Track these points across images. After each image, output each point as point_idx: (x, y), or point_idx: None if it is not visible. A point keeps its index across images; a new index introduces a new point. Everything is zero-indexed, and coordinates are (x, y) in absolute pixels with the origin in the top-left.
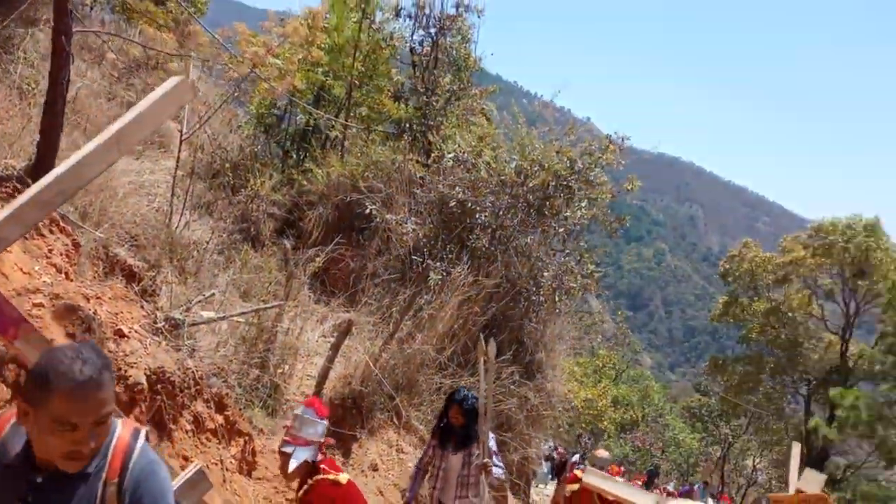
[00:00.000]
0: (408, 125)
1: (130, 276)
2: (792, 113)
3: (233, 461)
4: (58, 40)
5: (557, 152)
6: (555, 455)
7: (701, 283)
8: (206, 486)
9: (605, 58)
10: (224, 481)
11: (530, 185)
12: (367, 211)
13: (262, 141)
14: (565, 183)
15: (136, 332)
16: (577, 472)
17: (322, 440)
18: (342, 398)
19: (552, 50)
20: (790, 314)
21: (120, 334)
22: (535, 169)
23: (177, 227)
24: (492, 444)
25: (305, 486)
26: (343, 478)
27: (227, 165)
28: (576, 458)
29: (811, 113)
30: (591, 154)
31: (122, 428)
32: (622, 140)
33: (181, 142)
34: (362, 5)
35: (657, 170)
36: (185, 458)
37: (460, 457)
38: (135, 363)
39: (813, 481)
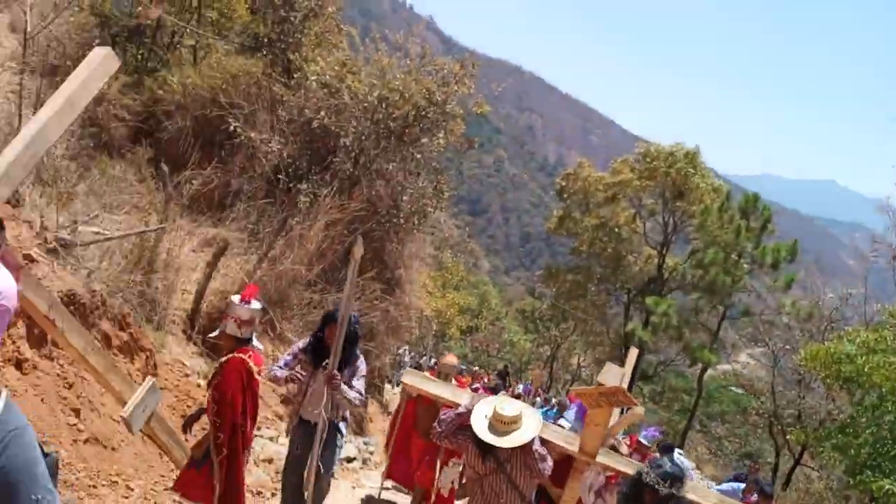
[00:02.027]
0: (266, 40)
1: None
2: (630, 34)
3: (139, 374)
4: None
5: (416, 81)
6: (407, 360)
7: (537, 191)
8: (158, 396)
9: None
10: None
11: (392, 113)
12: (231, 127)
13: (98, 34)
14: (424, 114)
15: (39, 255)
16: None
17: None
18: (219, 312)
19: None
20: (616, 230)
21: (30, 259)
22: (397, 98)
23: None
24: (361, 366)
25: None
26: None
27: (68, 63)
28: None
29: (649, 35)
30: (448, 84)
31: None
32: (472, 67)
33: (26, 41)
34: None
35: (499, 76)
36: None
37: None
38: (48, 287)
39: (612, 375)
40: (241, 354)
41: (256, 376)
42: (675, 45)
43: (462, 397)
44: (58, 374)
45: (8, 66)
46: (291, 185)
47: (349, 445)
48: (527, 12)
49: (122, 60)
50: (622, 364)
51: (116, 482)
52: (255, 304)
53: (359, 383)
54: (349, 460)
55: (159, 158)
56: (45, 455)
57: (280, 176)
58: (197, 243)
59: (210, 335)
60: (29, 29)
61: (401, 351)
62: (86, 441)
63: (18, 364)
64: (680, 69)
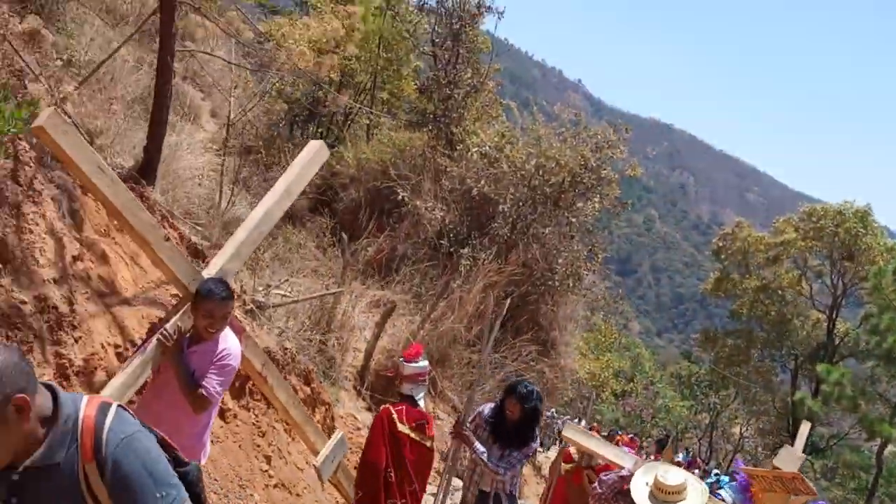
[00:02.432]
0: (432, 116)
1: (196, 255)
2: (788, 87)
3: (318, 426)
4: (164, 61)
5: (571, 148)
6: (558, 422)
7: (690, 250)
8: (345, 449)
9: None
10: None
11: (548, 180)
12: (400, 197)
13: (285, 118)
14: (579, 179)
15: (240, 316)
16: (572, 451)
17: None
18: (385, 369)
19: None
20: (780, 292)
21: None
22: (552, 165)
23: (226, 206)
24: (532, 446)
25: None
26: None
27: (260, 143)
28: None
29: (808, 87)
30: (601, 149)
31: (86, 406)
32: (626, 131)
33: (228, 126)
34: None
35: (649, 135)
36: (287, 423)
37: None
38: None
39: (789, 460)
40: (390, 406)
41: (401, 428)
42: (839, 97)
43: (626, 459)
44: (253, 423)
45: (210, 147)
46: (453, 249)
47: None
48: (677, 70)
49: (303, 138)
50: (792, 437)
51: None
52: (420, 362)
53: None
54: None
55: (336, 227)
56: (186, 464)
57: (442, 241)
58: (366, 304)
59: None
60: (232, 116)
61: (549, 413)
62: (275, 486)
63: (222, 413)
64: (846, 123)
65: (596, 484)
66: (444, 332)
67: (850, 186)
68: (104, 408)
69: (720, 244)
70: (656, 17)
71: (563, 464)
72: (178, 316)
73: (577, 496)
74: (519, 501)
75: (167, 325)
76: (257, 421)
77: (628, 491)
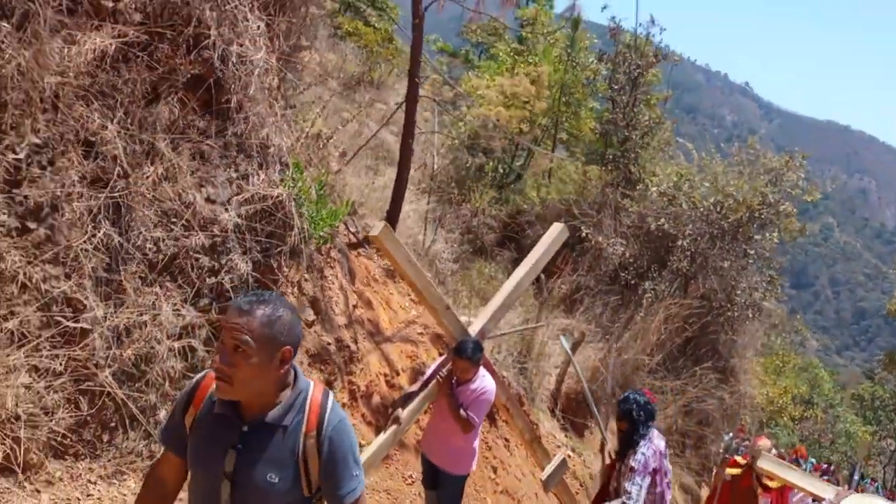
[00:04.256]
0: (611, 157)
1: None
2: None
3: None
4: (406, 143)
5: (749, 185)
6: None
7: (873, 261)
8: (565, 469)
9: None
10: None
11: (727, 216)
12: (584, 234)
13: (469, 159)
14: (758, 214)
15: None
16: (738, 458)
17: None
18: (575, 393)
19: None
20: None
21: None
22: (731, 202)
23: (430, 246)
24: (642, 458)
25: None
26: None
27: (452, 184)
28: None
29: None
30: (778, 183)
31: (314, 388)
32: (802, 158)
33: (433, 176)
34: (568, 50)
35: (825, 138)
36: (507, 440)
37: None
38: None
39: None
40: None
41: None
42: None
43: (826, 491)
44: (481, 440)
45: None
46: (633, 281)
47: None
48: (853, 70)
49: (490, 178)
50: None
51: None
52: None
53: (627, 484)
54: None
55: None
56: None
57: (622, 273)
58: (554, 332)
59: None
60: (435, 166)
61: (727, 437)
62: (501, 492)
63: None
64: None
65: None
66: (628, 361)
67: None
68: (327, 393)
69: None
70: (831, 14)
71: (728, 468)
72: (449, 363)
73: (744, 498)
74: None
75: (443, 370)
76: (484, 437)
77: None
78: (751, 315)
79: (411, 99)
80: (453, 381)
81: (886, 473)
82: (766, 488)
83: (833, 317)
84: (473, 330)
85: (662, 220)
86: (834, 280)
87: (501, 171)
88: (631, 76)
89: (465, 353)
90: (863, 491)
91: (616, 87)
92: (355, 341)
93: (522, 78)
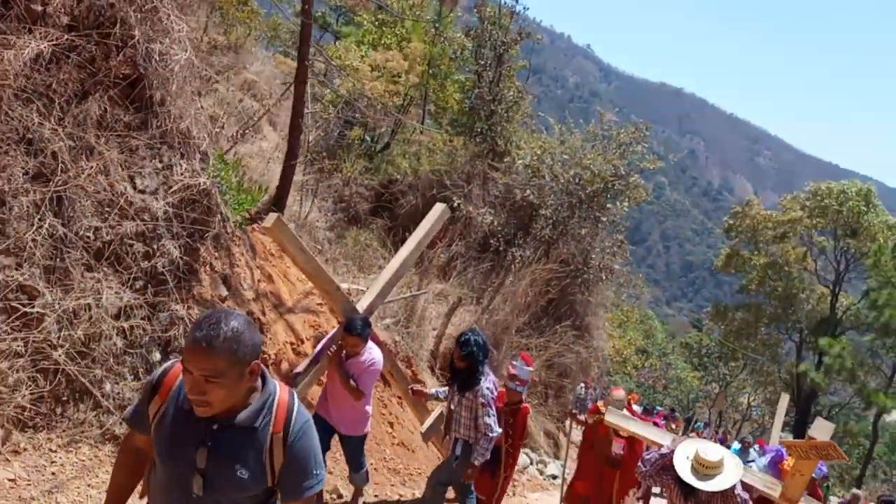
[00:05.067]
0: (479, 130)
1: None
2: (800, 47)
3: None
4: (295, 121)
5: (604, 158)
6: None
7: (700, 217)
8: (442, 421)
9: None
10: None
11: (587, 189)
12: (455, 204)
13: (338, 127)
14: (611, 185)
15: None
16: (599, 404)
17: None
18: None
19: None
20: (787, 268)
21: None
22: (588, 175)
23: (306, 216)
24: (483, 394)
25: (514, 407)
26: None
27: (323, 154)
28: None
29: (820, 47)
30: (626, 156)
31: (280, 390)
32: (646, 129)
33: (307, 150)
34: (435, 24)
35: (659, 100)
36: (399, 398)
37: (461, 397)
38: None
39: (822, 429)
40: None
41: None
42: (853, 59)
43: (664, 438)
44: (378, 399)
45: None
46: (501, 248)
47: (553, 465)
48: (687, 34)
49: (359, 147)
50: (796, 406)
51: (418, 474)
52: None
53: (486, 419)
54: (553, 477)
55: (395, 227)
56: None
57: (492, 241)
58: (428, 297)
59: None
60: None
61: (579, 388)
62: (398, 444)
63: None
64: (858, 86)
65: (640, 463)
66: (499, 322)
67: (862, 149)
68: (292, 394)
69: (731, 222)
70: None
71: (588, 415)
72: (338, 338)
73: (601, 444)
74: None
75: (333, 345)
76: (380, 396)
77: (670, 466)
78: (604, 277)
79: (301, 80)
80: (343, 355)
81: (711, 415)
82: (618, 435)
83: (664, 270)
84: (362, 306)
85: (528, 191)
86: (665, 235)
87: (368, 139)
88: (497, 52)
89: (355, 330)
90: (700, 435)
91: (482, 62)
92: (263, 313)
93: (396, 53)
